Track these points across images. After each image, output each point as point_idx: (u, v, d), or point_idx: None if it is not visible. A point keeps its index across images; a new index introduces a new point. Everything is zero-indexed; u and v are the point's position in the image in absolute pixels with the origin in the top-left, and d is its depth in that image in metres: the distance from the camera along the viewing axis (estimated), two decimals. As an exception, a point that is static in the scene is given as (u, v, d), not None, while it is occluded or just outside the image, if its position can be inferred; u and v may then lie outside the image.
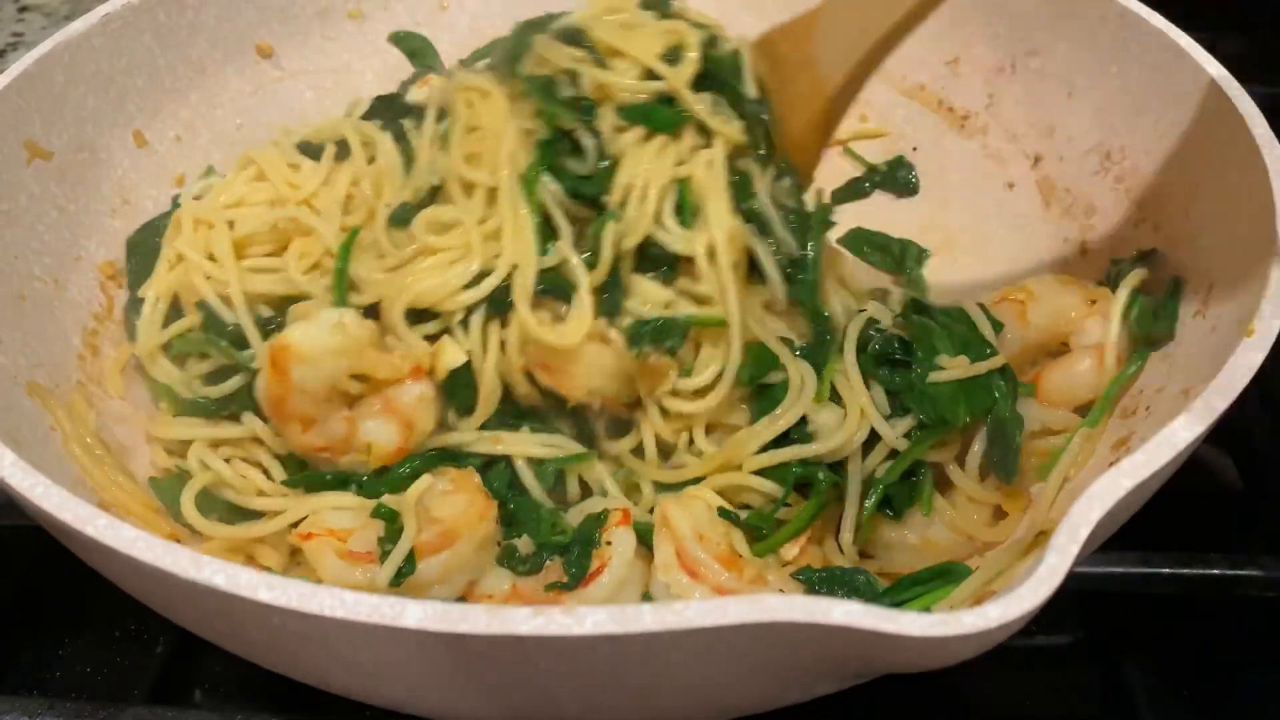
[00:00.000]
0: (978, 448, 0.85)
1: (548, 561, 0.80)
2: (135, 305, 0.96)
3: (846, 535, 0.82)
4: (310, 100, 1.18)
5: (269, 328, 0.90)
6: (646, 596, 0.79)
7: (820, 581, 0.79)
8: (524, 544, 0.81)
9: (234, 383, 0.89)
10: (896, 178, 1.16)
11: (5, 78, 0.89)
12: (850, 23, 0.79)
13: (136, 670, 0.89)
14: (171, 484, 0.86)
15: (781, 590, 0.77)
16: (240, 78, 1.13)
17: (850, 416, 0.82)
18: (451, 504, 0.80)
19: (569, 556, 0.80)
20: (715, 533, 0.80)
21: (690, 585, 0.77)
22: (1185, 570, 0.87)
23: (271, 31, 1.14)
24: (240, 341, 0.90)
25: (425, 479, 0.80)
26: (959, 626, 0.50)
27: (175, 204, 1.01)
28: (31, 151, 0.91)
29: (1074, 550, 0.53)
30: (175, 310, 0.95)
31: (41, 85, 0.93)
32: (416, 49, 1.21)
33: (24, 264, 0.89)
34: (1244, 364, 0.63)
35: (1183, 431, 0.59)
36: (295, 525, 0.81)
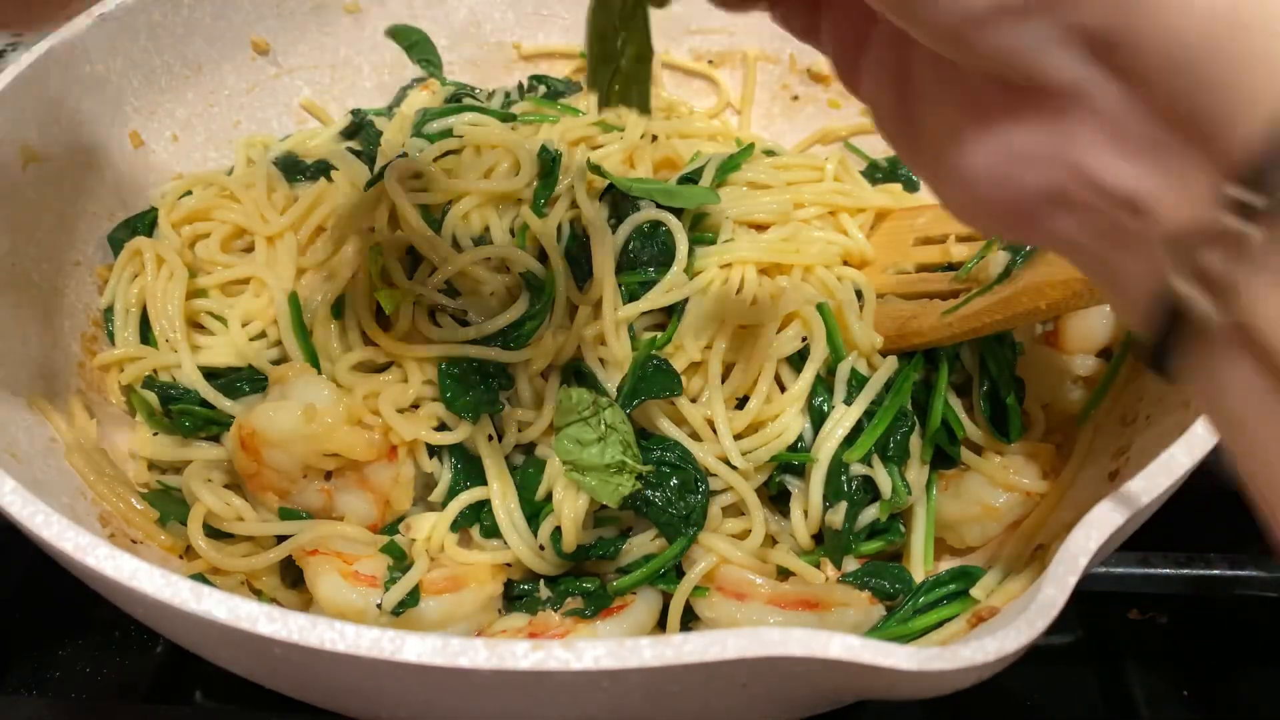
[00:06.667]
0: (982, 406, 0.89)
1: (569, 598, 0.81)
2: (110, 310, 0.96)
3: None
4: (308, 97, 1.17)
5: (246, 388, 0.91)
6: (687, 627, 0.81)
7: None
8: (544, 591, 0.82)
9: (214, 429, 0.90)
10: (898, 173, 1.15)
11: (-1, 82, 0.88)
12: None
13: (136, 670, 0.89)
14: (159, 498, 0.86)
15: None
16: (237, 75, 1.12)
17: None
18: (467, 556, 0.82)
19: (589, 597, 0.81)
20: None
21: (738, 606, 0.78)
22: (1185, 570, 0.88)
23: (268, 28, 1.13)
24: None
25: (449, 534, 0.82)
26: (955, 660, 0.50)
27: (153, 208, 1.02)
28: (27, 156, 0.91)
29: (1072, 581, 0.53)
30: (147, 321, 0.95)
31: (36, 89, 0.92)
32: (415, 42, 1.20)
33: (21, 271, 0.89)
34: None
35: (1182, 458, 0.59)
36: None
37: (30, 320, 0.88)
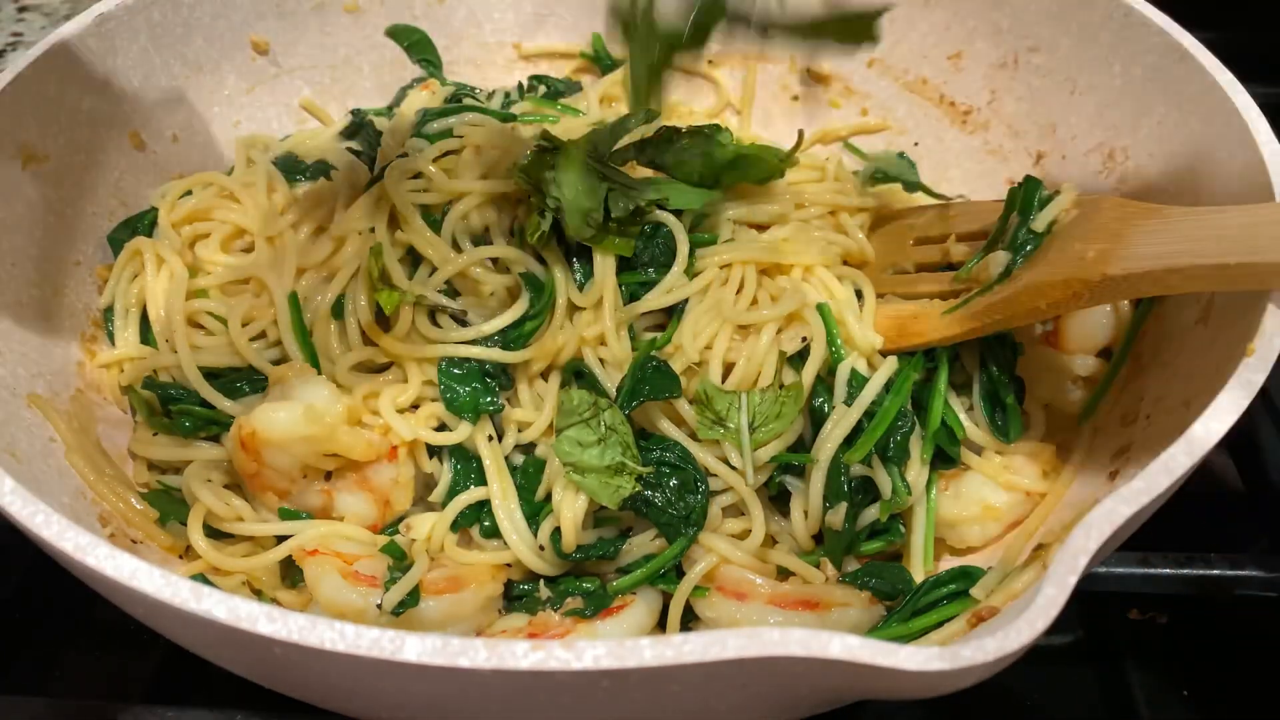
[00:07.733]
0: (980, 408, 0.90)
1: (569, 598, 0.81)
2: (110, 310, 0.97)
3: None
4: (308, 97, 1.17)
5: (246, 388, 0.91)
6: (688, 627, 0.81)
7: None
8: (544, 591, 0.82)
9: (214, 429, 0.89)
10: (897, 174, 1.15)
11: (-2, 82, 0.88)
12: (1177, 239, 0.77)
13: (136, 670, 0.89)
14: (159, 498, 0.86)
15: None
16: (237, 75, 1.12)
17: None
18: (467, 556, 0.82)
19: (589, 597, 0.81)
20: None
21: (738, 606, 0.79)
22: (1185, 570, 0.88)
23: (268, 27, 1.13)
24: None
25: (449, 534, 0.82)
26: (956, 660, 0.50)
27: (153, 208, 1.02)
28: (28, 156, 0.91)
29: (1072, 580, 0.53)
30: (147, 321, 0.95)
31: (36, 89, 0.92)
32: (415, 42, 1.20)
33: (22, 271, 0.89)
34: (1244, 386, 0.63)
35: (1181, 458, 0.59)
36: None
37: (30, 320, 0.88)
